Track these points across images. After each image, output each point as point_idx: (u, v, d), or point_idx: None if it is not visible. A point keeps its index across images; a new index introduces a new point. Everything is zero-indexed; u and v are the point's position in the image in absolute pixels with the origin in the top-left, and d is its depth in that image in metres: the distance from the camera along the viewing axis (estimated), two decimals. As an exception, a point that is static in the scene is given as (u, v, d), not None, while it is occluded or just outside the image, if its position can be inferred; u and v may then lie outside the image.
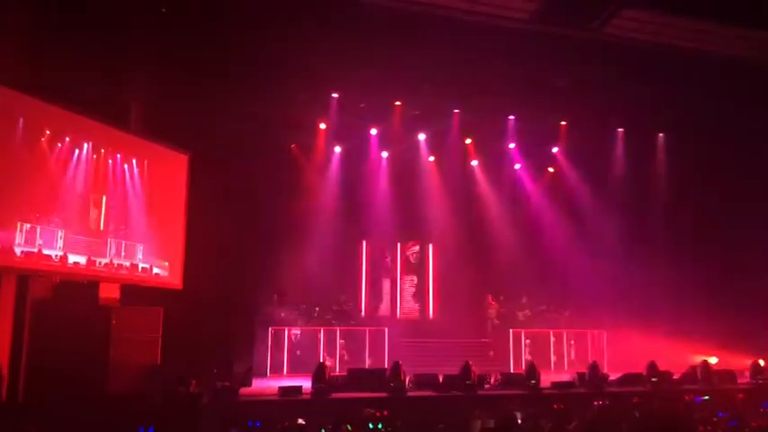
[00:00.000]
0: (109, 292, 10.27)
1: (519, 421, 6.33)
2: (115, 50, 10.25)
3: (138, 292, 10.72)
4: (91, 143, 9.78)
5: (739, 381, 12.29)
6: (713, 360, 12.99)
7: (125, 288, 10.65)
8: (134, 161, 10.72)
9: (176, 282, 11.42)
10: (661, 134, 15.99)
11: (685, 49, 12.81)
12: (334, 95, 13.73)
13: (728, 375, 12.29)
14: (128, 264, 10.49)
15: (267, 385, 11.25)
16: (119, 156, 10.40)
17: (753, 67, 13.35)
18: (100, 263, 9.88)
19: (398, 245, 16.59)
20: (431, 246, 16.67)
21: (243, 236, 12.63)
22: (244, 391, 10.07)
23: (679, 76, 13.26)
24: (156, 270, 11.08)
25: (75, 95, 9.35)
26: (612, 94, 13.75)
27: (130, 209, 10.61)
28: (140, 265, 10.76)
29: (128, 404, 8.48)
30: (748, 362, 12.95)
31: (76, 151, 9.54)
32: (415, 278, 16.62)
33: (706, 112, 14.20)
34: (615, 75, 13.14)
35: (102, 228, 10.00)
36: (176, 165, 11.72)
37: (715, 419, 7.38)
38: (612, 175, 16.01)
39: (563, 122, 15.55)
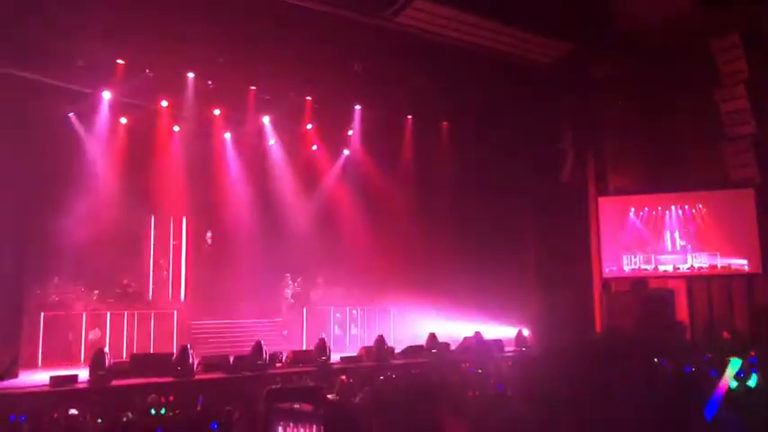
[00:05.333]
0: None
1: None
2: None
3: None
4: None
5: (507, 349, 13.71)
6: (486, 331, 14.28)
7: None
8: None
9: None
10: (445, 122, 17.05)
11: (467, 43, 13.84)
12: (120, 62, 12.70)
13: (497, 345, 13.66)
14: None
15: (37, 376, 10.26)
16: None
17: (524, 63, 14.89)
18: None
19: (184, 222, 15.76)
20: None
21: (7, 212, 11.26)
22: (7, 384, 9.11)
23: (460, 67, 14.27)
24: None
25: None
26: (403, 82, 14.40)
27: None
28: None
29: None
30: (514, 331, 14.49)
31: None
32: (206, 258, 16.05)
33: (482, 102, 15.42)
34: (406, 63, 13.78)
35: None
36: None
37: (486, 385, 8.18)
38: (402, 158, 16.79)
39: (358, 106, 15.96)
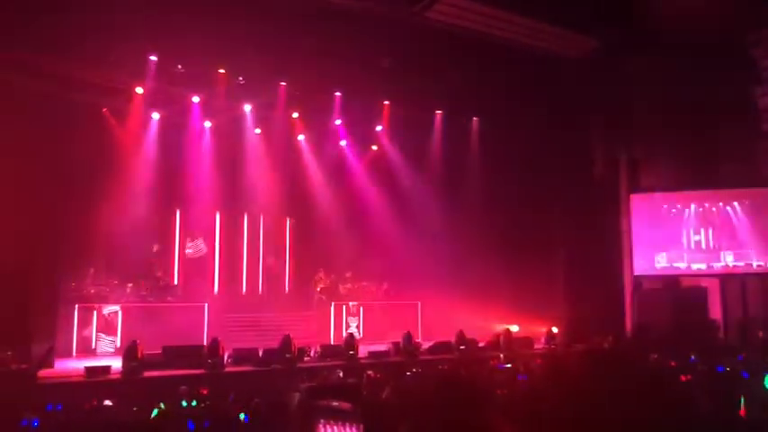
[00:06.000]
0: None
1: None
2: None
3: None
4: None
5: (536, 346, 13.63)
6: (514, 328, 14.22)
7: None
8: None
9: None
10: (475, 118, 16.95)
11: (497, 38, 13.74)
12: (153, 58, 12.89)
13: (526, 342, 13.58)
14: None
15: (72, 366, 10.49)
16: None
17: (555, 58, 14.73)
18: None
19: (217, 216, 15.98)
20: (245, 217, 16.31)
21: (46, 206, 11.50)
22: (44, 373, 9.32)
23: (490, 63, 14.18)
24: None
25: None
26: (432, 77, 14.36)
27: None
28: None
29: None
30: (544, 329, 14.39)
31: None
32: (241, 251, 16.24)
33: (512, 98, 15.30)
34: (435, 59, 13.74)
35: None
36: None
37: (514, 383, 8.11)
38: (431, 154, 16.74)
39: (386, 102, 15.95)
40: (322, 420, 3.27)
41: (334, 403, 3.44)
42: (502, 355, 11.42)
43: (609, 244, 16.01)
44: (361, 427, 3.17)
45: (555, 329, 14.40)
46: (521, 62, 14.53)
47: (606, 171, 16.35)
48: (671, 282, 15.53)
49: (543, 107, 15.48)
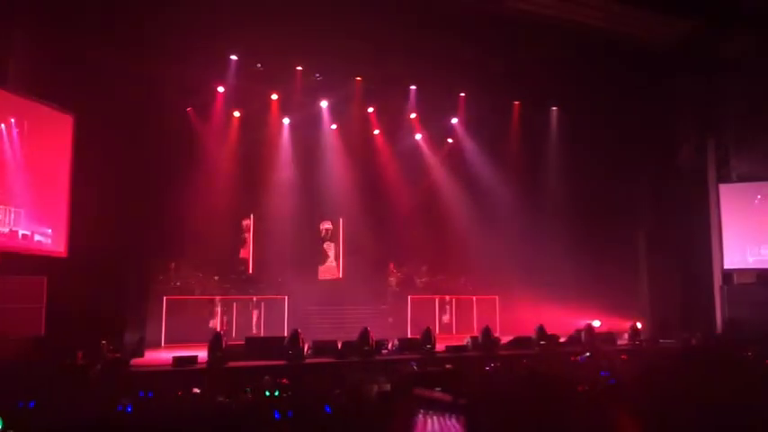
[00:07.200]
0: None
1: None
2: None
3: (18, 261, 10.06)
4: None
5: (619, 342, 13.20)
6: (596, 323, 13.83)
7: (4, 256, 9.95)
8: (12, 121, 9.96)
9: (60, 249, 10.80)
10: (555, 107, 16.55)
11: (578, 24, 13.34)
12: (233, 57, 13.28)
13: (609, 337, 13.17)
14: (6, 230, 9.80)
15: (161, 356, 10.95)
16: (-6, 115, 9.64)
17: (639, 44, 14.16)
18: (-25, 229, 9.20)
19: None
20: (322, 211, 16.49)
21: (135, 202, 12.04)
22: (136, 361, 9.75)
23: (571, 50, 13.78)
24: (37, 237, 10.41)
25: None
26: (510, 67, 14.10)
27: (8, 172, 9.89)
28: (20, 232, 10.07)
29: (7, 377, 7.99)
30: (627, 324, 13.92)
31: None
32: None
33: (594, 86, 14.85)
34: (513, 47, 13.48)
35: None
36: (60, 126, 10.97)
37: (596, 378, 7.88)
38: (508, 146, 16.47)
39: (462, 93, 15.79)
40: (422, 410, 3.24)
41: (435, 394, 3.41)
42: (588, 354, 11.11)
43: (697, 236, 15.32)
44: (462, 418, 3.13)
45: (639, 325, 13.92)
46: (602, 49, 14.06)
47: (693, 160, 15.63)
48: (765, 276, 14.70)
49: (625, 95, 14.95)
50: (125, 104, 11.55)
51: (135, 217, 11.85)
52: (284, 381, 8.22)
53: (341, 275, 16.09)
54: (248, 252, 15.32)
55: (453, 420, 3.14)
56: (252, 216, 15.26)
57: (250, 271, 15.10)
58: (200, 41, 12.02)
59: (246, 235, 15.36)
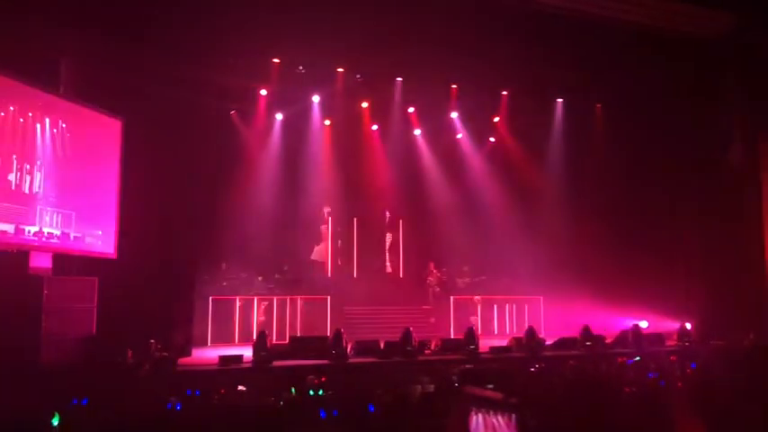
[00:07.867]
0: (40, 262, 9.89)
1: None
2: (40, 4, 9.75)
3: (71, 262, 10.38)
4: (16, 106, 9.31)
5: (667, 343, 12.88)
6: (644, 324, 13.53)
7: (57, 257, 10.26)
8: (64, 126, 10.26)
9: (110, 250, 11.09)
10: (598, 105, 16.27)
11: (621, 21, 13.08)
12: (275, 61, 13.43)
13: (657, 338, 12.86)
14: (58, 232, 10.10)
15: (207, 355, 11.14)
16: (47, 120, 9.92)
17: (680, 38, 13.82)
18: (29, 231, 9.49)
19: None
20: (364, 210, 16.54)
21: (181, 204, 12.28)
22: (183, 360, 9.94)
23: (614, 47, 13.53)
24: (88, 239, 10.71)
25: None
26: (552, 65, 13.91)
27: (61, 176, 10.19)
28: (72, 234, 10.37)
29: (62, 376, 8.24)
30: (676, 325, 13.58)
31: (1, 114, 9.07)
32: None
33: (639, 83, 14.53)
34: (555, 45, 13.29)
35: (31, 195, 9.59)
36: (110, 130, 11.27)
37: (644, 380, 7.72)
38: (551, 144, 16.26)
39: (504, 92, 15.65)
40: (474, 408, 3.22)
41: (487, 392, 3.39)
42: (638, 357, 10.88)
43: (749, 235, 14.85)
44: (514, 417, 3.11)
45: (688, 325, 13.56)
46: (646, 45, 13.74)
47: (744, 158, 15.15)
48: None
49: (672, 90, 14.60)
50: (171, 109, 11.78)
51: (181, 219, 12.08)
52: (323, 379, 8.28)
53: (390, 271, 16.29)
54: (295, 253, 15.48)
55: (505, 419, 3.11)
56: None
57: (297, 271, 15.27)
58: (243, 45, 12.19)
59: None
